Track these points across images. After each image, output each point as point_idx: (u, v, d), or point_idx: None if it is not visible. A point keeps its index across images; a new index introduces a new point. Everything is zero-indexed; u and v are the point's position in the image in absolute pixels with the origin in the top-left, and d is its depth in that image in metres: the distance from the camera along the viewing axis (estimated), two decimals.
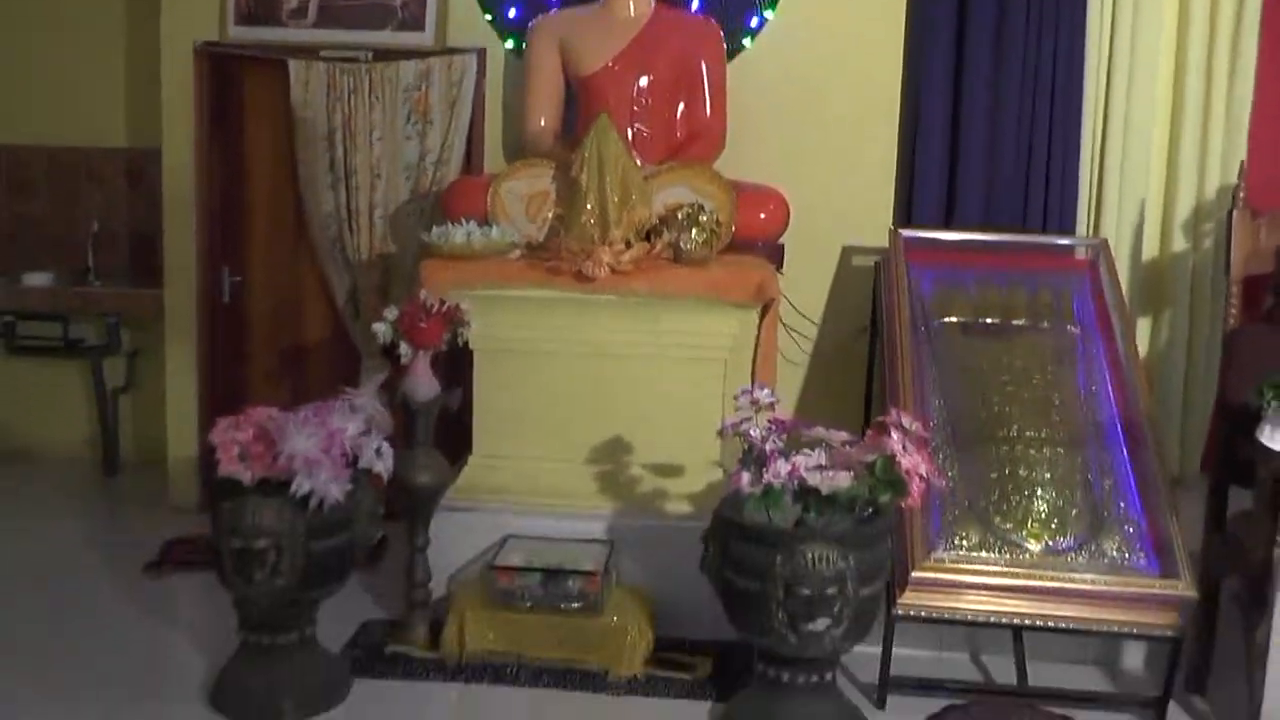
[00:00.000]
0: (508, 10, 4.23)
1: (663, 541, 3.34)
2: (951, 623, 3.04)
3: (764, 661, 2.86)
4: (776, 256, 3.78)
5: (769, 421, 2.83)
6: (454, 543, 3.46)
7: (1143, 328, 4.14)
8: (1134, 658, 3.36)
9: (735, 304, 3.47)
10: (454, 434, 3.72)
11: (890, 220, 4.09)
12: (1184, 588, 2.97)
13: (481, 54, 4.27)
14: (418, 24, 4.28)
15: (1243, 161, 3.66)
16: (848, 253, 4.19)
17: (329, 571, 2.96)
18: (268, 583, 2.85)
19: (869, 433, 2.78)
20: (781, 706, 2.85)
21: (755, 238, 3.69)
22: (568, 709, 3.04)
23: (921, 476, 2.69)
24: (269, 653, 2.97)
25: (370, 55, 4.27)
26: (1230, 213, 3.45)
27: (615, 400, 3.57)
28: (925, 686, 3.13)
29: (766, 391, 2.85)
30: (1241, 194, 3.45)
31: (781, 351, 3.99)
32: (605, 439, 3.58)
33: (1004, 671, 3.26)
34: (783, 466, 2.68)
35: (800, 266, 3.99)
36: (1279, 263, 3.23)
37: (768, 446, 2.74)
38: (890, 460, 2.69)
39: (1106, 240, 3.84)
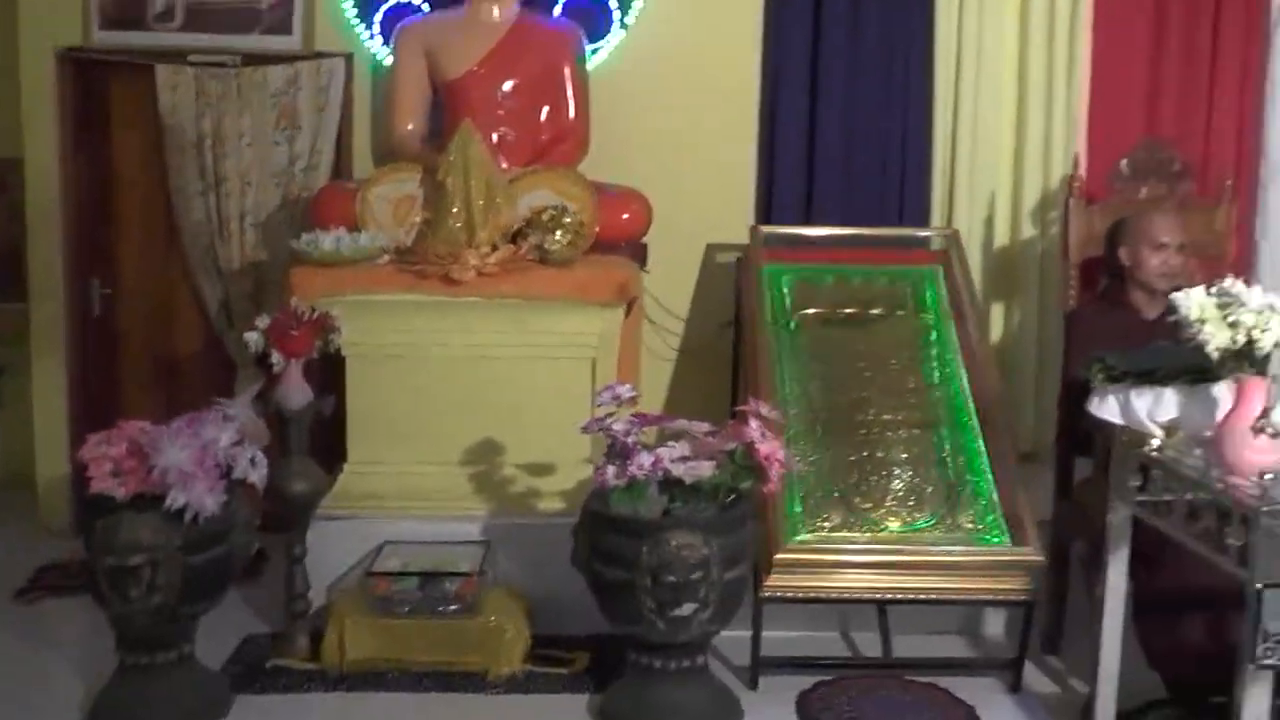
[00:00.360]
0: (374, 14, 4.23)
1: (538, 539, 3.39)
2: (817, 601, 3.16)
3: (636, 650, 2.94)
4: (640, 256, 3.88)
5: (631, 416, 2.91)
6: (332, 552, 3.46)
7: (997, 312, 4.32)
8: (994, 625, 3.52)
9: (600, 303, 3.56)
10: (331, 442, 3.73)
11: (751, 218, 4.20)
12: (1032, 554, 3.13)
13: (349, 58, 4.27)
14: (285, 27, 4.26)
15: (1076, 153, 3.85)
16: (712, 250, 4.30)
17: (207, 586, 2.94)
18: (144, 600, 2.82)
19: (729, 423, 2.88)
20: (655, 692, 2.93)
21: (619, 238, 3.79)
22: (449, 711, 3.07)
23: (779, 462, 2.80)
24: (147, 672, 2.93)
25: (239, 60, 4.23)
26: (1066, 201, 3.63)
27: (486, 402, 3.61)
28: (796, 665, 3.24)
29: (627, 387, 2.93)
30: (1076, 183, 3.63)
31: (650, 348, 4.13)
32: (478, 440, 3.63)
33: (873, 646, 3.39)
34: (645, 459, 2.76)
35: (666, 265, 4.10)
36: (1109, 245, 3.42)
37: (630, 440, 2.82)
38: (749, 448, 2.78)
39: (958, 231, 4.01)
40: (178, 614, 2.90)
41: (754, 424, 2.79)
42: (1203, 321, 2.26)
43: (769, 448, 2.76)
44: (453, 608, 3.25)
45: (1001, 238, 4.29)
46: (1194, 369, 2.48)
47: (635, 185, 3.93)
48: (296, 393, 3.32)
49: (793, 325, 3.62)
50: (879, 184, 4.17)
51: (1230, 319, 2.23)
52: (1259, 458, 2.21)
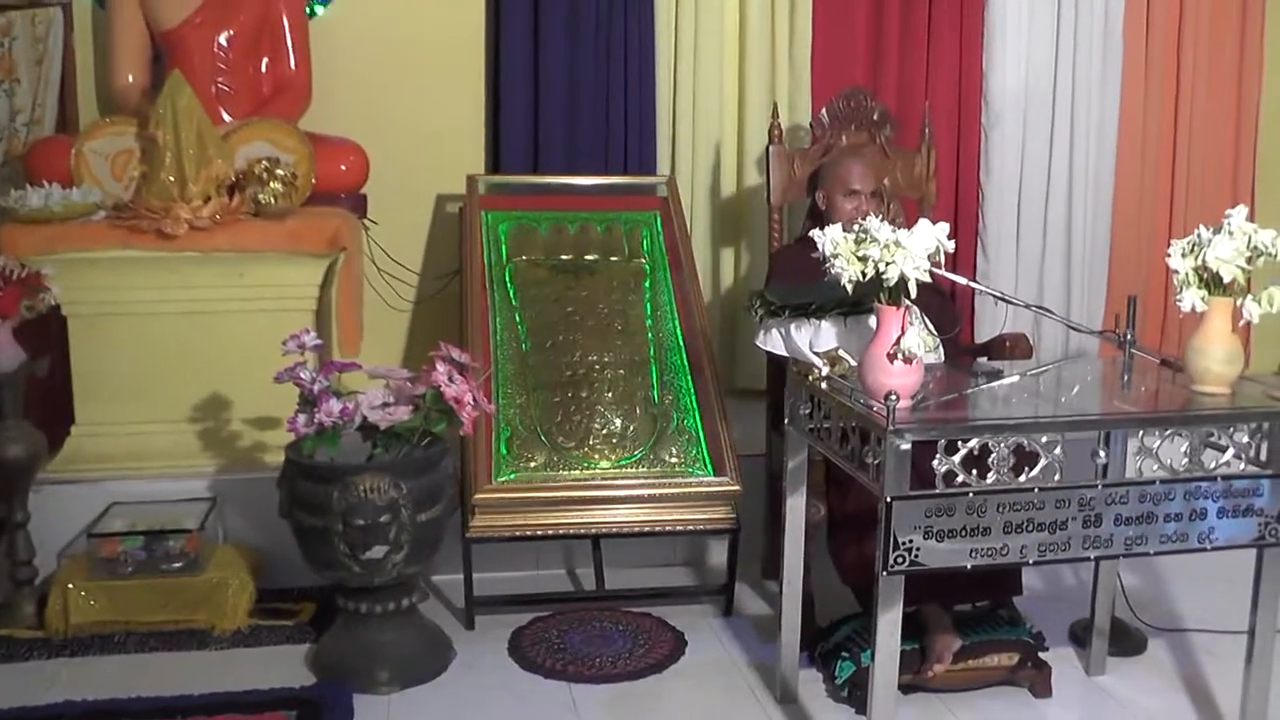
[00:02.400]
0: None
1: (264, 494, 3.32)
2: (524, 539, 3.20)
3: (344, 596, 2.96)
4: (360, 206, 3.88)
5: (321, 364, 2.92)
6: (61, 517, 3.37)
7: (727, 257, 4.45)
8: (718, 555, 3.63)
9: (315, 254, 3.54)
10: (61, 406, 3.60)
11: (482, 170, 4.22)
12: (730, 484, 3.24)
13: (67, 8, 4.05)
14: None
15: (775, 103, 3.98)
16: (442, 200, 4.31)
17: None
18: None
19: (423, 368, 2.91)
20: (363, 637, 2.95)
21: (338, 189, 3.79)
22: (173, 669, 3.02)
23: (469, 405, 2.83)
24: None
25: None
26: (768, 149, 3.75)
27: (211, 357, 3.56)
28: (512, 603, 3.31)
29: (311, 335, 2.91)
30: (776, 132, 3.75)
31: (384, 299, 4.14)
32: (204, 397, 3.58)
33: (593, 582, 3.46)
34: (335, 406, 2.77)
35: (398, 216, 4.11)
36: (810, 190, 3.55)
37: (316, 388, 2.83)
38: (438, 391, 2.82)
39: (674, 178, 4.09)
40: None
41: (441, 368, 2.82)
42: (836, 255, 2.38)
43: (456, 391, 2.79)
44: (176, 565, 3.20)
45: (728, 186, 4.40)
46: (850, 301, 2.61)
47: (364, 137, 3.91)
48: (6, 354, 3.20)
49: (506, 272, 3.65)
50: (604, 134, 4.20)
51: (861, 253, 2.35)
52: (893, 381, 2.34)
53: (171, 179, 3.47)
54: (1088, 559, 2.46)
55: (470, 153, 4.27)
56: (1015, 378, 2.69)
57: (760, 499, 3.53)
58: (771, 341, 2.71)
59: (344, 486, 2.76)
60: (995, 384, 2.64)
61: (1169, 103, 4.66)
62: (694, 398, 3.43)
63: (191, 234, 3.43)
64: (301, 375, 2.86)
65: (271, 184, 3.51)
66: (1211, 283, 2.50)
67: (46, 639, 3.16)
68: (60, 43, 4.07)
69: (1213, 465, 2.47)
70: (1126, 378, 2.71)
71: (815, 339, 2.65)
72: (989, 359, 3.20)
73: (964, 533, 2.32)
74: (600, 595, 3.37)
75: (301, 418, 2.83)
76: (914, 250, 2.27)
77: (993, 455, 2.33)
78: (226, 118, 3.83)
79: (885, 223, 2.37)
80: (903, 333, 2.34)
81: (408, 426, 2.85)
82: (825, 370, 2.62)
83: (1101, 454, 2.42)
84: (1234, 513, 2.46)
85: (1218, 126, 4.71)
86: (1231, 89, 4.70)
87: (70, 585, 3.17)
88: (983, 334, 4.29)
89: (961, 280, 2.75)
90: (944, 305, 3.33)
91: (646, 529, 3.25)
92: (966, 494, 2.31)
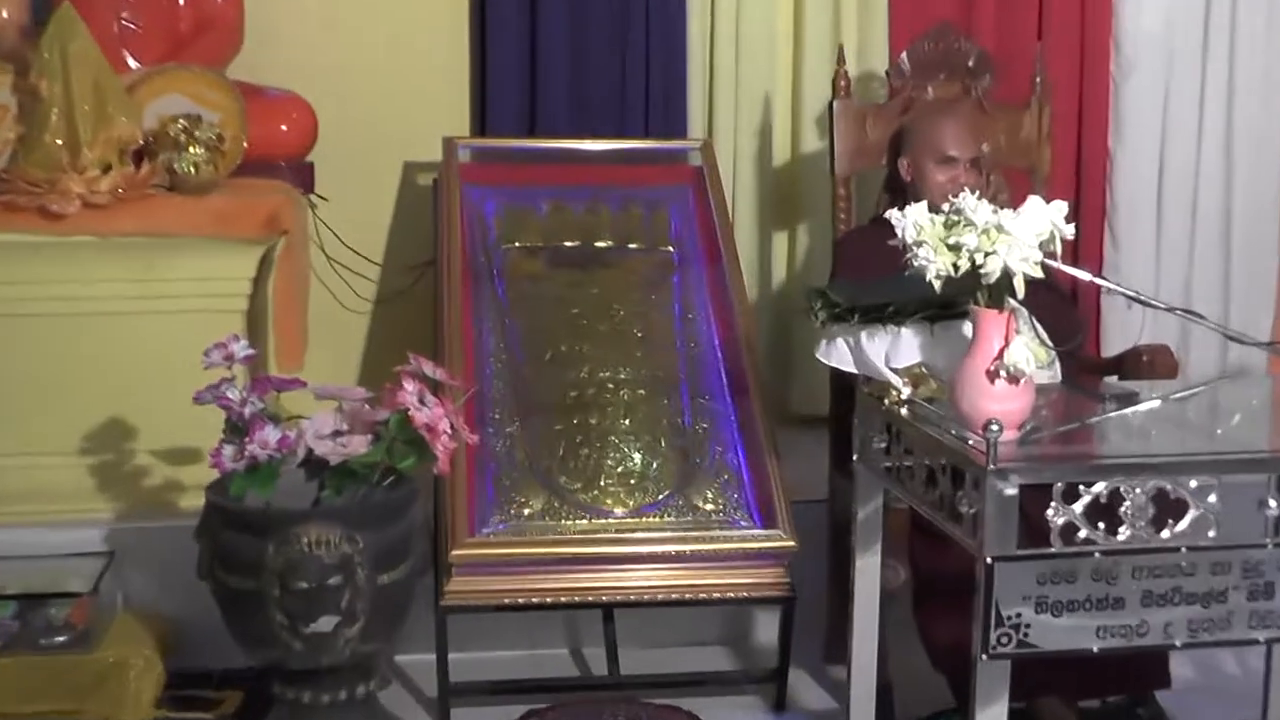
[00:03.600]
0: None
1: (180, 547, 3.34)
2: (513, 609, 3.22)
3: (281, 682, 2.97)
4: (305, 178, 3.93)
5: (253, 380, 2.95)
6: None
7: (780, 243, 4.49)
8: (766, 631, 3.65)
9: (247, 240, 3.58)
10: None
11: (463, 131, 4.27)
12: (782, 538, 3.26)
13: None
14: None
15: (840, 45, 3.99)
16: (411, 170, 4.36)
17: None
18: None
19: (386, 386, 2.93)
20: None
21: (277, 156, 3.84)
22: None
23: (445, 434, 2.85)
24: None
25: None
26: (831, 104, 3.77)
27: (112, 371, 3.60)
28: (500, 691, 3.33)
29: (242, 344, 2.94)
30: (843, 82, 3.76)
31: (335, 296, 4.20)
32: (100, 422, 3.60)
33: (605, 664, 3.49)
34: (271, 435, 2.80)
35: (354, 190, 4.18)
36: (891, 155, 3.57)
37: (248, 411, 2.85)
38: (405, 417, 2.84)
39: (710, 143, 4.12)
40: None
41: (410, 387, 2.84)
42: (920, 243, 2.39)
43: (428, 416, 2.81)
44: (60, 640, 3.23)
45: (781, 152, 4.44)
46: (938, 303, 2.62)
47: (310, 89, 3.98)
48: None
49: (495, 262, 3.69)
50: (620, 86, 4.25)
51: (952, 240, 2.36)
52: (995, 406, 2.34)
53: (60, 142, 3.51)
54: (1256, 642, 2.45)
55: (449, 109, 4.33)
56: (1155, 403, 2.70)
57: (821, 558, 3.55)
58: (837, 354, 2.71)
59: (282, 539, 2.77)
60: (1129, 410, 2.64)
61: None
62: (736, 427, 3.45)
63: (86, 213, 3.46)
64: (228, 395, 2.88)
65: (191, 149, 3.54)
66: None
67: None
68: None
69: None
70: None
71: (893, 351, 2.65)
72: (1120, 378, 3.22)
73: (1089, 605, 2.31)
74: (614, 682, 3.39)
75: (228, 450, 2.84)
76: (1021, 236, 2.28)
77: (1126, 504, 2.33)
78: (133, 64, 3.89)
79: (984, 200, 2.38)
80: (1006, 344, 2.34)
81: (366, 462, 2.86)
82: (906, 392, 2.63)
83: (1272, 504, 2.41)
84: None
85: None
86: None
87: None
88: (1112, 346, 4.30)
89: (1084, 276, 2.76)
90: (1061, 308, 3.34)
91: (674, 596, 3.26)
92: (1092, 554, 2.30)
